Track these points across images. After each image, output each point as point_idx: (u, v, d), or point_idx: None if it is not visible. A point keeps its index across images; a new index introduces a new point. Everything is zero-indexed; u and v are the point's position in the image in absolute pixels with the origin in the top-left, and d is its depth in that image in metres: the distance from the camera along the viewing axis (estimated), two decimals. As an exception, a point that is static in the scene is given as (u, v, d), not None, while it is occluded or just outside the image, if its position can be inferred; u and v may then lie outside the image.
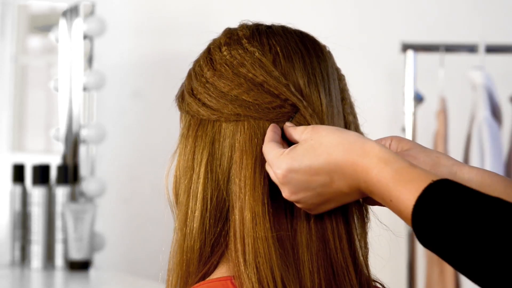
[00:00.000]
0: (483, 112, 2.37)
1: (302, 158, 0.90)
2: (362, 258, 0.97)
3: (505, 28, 2.78)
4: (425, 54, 2.51)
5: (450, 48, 2.48)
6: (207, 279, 0.96)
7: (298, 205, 0.93)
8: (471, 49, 2.47)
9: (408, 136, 2.48)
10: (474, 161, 2.40)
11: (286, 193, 0.92)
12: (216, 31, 1.04)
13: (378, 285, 1.00)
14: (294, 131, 0.94)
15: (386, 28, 2.80)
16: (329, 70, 1.00)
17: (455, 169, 0.99)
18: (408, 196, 0.85)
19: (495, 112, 2.42)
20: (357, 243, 0.97)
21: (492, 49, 2.46)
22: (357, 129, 1.03)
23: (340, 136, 0.90)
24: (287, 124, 0.95)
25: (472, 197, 0.82)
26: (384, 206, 0.91)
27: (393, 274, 2.66)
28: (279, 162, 0.91)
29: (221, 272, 0.96)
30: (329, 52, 1.03)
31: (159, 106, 2.68)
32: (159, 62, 2.83)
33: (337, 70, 1.02)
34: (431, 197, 0.83)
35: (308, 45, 1.00)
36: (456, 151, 2.52)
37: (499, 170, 2.39)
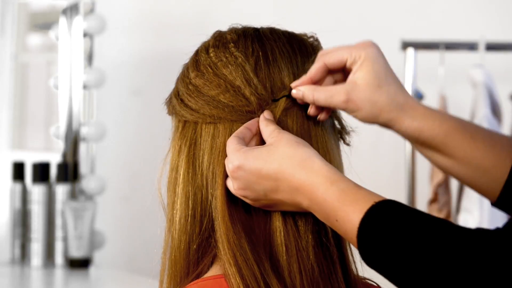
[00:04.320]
0: (483, 110, 2.37)
1: (255, 160, 0.93)
2: (350, 256, 0.99)
3: (505, 26, 2.78)
4: (425, 52, 2.51)
5: (450, 46, 2.48)
6: (201, 277, 0.97)
7: (246, 201, 0.96)
8: (471, 47, 2.47)
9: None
10: (474, 159, 2.40)
11: (234, 187, 0.95)
12: (216, 29, 1.05)
13: (369, 281, 1.01)
14: (265, 129, 0.96)
15: (386, 26, 2.80)
16: None
17: (393, 118, 0.99)
18: (353, 217, 0.88)
19: (495, 110, 2.42)
20: (346, 240, 0.98)
21: (492, 47, 2.46)
22: (339, 120, 1.04)
23: (294, 150, 0.93)
24: (266, 115, 0.97)
25: (411, 218, 0.86)
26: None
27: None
28: (233, 157, 0.94)
29: (215, 270, 0.97)
30: (317, 48, 1.04)
31: (159, 104, 2.68)
32: (159, 60, 2.83)
33: None
34: (373, 220, 0.86)
35: (294, 46, 1.01)
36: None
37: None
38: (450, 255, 0.83)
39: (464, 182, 1.02)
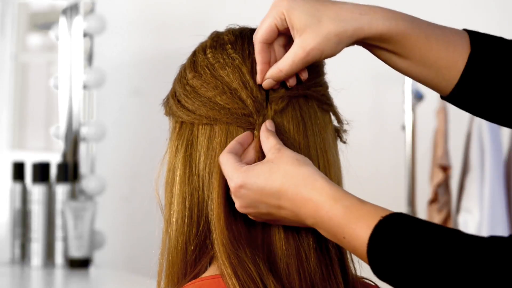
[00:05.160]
0: (483, 110, 2.37)
1: (256, 178, 0.93)
2: (349, 255, 0.99)
3: (505, 26, 2.78)
4: (425, 52, 2.51)
5: (450, 46, 2.47)
6: (199, 277, 0.97)
7: (250, 217, 0.96)
8: (471, 47, 2.46)
9: (408, 134, 2.48)
10: (474, 159, 2.40)
11: (237, 205, 0.95)
12: (216, 29, 1.05)
13: (367, 281, 1.01)
14: (266, 142, 0.96)
15: (386, 26, 2.79)
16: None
17: (353, 34, 0.97)
18: (361, 234, 0.87)
19: (495, 110, 2.41)
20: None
21: (492, 47, 2.45)
22: (336, 115, 1.04)
23: (296, 168, 0.92)
24: (268, 125, 0.97)
25: (419, 230, 0.85)
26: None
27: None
28: (234, 176, 0.94)
29: (212, 270, 0.98)
30: None
31: (159, 104, 2.68)
32: (159, 60, 2.83)
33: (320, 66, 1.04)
34: (382, 234, 0.86)
35: None
36: (456, 149, 2.52)
37: (499, 168, 2.39)
38: (465, 265, 0.82)
39: (418, 81, 1.03)
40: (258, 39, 0.98)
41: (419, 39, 0.98)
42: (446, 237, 0.84)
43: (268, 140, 0.95)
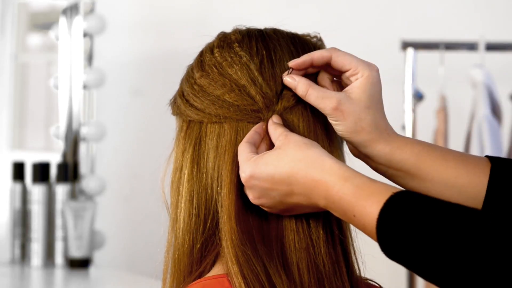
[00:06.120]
0: (483, 110, 2.37)
1: (265, 166, 0.93)
2: (353, 256, 0.99)
3: (505, 25, 2.78)
4: (425, 52, 2.51)
5: (450, 46, 2.48)
6: (204, 276, 0.97)
7: (264, 208, 0.96)
8: (471, 46, 2.46)
9: (408, 134, 2.48)
10: (474, 159, 2.40)
11: (250, 197, 0.96)
12: (216, 28, 1.05)
13: (371, 282, 1.01)
14: (274, 132, 0.97)
15: (386, 26, 2.80)
16: None
17: (370, 139, 0.99)
18: (371, 210, 0.87)
19: (495, 110, 2.42)
20: (349, 240, 0.99)
21: (492, 47, 2.45)
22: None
23: (304, 151, 0.93)
24: (274, 119, 0.97)
25: (430, 206, 0.85)
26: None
27: (393, 274, 2.66)
28: (244, 166, 0.94)
29: (217, 269, 0.98)
30: (320, 47, 1.05)
31: (159, 104, 2.67)
32: (159, 60, 2.83)
33: None
34: (392, 210, 0.86)
35: (298, 46, 1.02)
36: (456, 149, 2.51)
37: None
38: (474, 242, 0.81)
39: None
40: (333, 55, 0.98)
41: (436, 159, 0.99)
42: (456, 213, 0.83)
43: (275, 131, 0.96)
